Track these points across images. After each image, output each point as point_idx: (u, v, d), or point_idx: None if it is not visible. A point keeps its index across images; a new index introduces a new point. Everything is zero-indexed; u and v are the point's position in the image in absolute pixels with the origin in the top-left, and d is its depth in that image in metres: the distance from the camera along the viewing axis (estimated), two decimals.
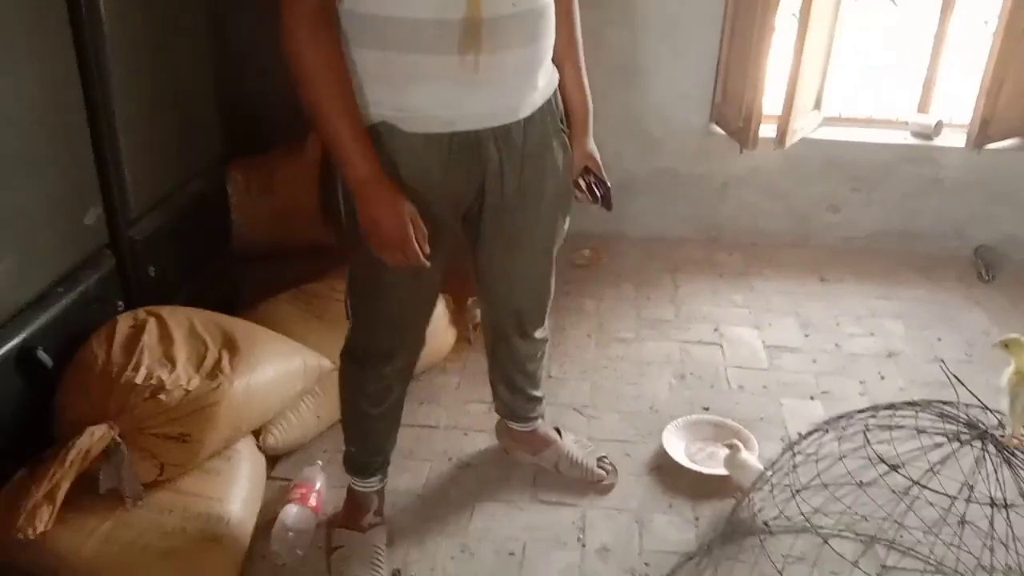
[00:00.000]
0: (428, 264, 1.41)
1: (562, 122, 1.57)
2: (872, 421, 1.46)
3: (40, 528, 1.52)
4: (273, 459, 2.01)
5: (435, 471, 2.02)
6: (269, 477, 1.97)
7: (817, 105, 3.12)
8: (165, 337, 1.84)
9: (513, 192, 1.50)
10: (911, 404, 1.48)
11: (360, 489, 1.80)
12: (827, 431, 1.54)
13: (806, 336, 2.60)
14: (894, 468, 1.38)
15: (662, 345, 2.54)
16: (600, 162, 1.68)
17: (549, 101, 1.50)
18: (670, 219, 3.20)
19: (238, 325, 1.99)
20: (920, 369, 2.43)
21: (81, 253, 1.87)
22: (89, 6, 1.78)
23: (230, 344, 1.89)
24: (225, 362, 1.83)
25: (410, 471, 2.00)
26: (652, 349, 2.52)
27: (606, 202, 1.67)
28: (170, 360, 1.79)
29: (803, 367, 2.44)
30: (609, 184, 1.68)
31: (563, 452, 1.97)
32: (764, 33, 2.77)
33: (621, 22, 2.92)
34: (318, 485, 1.89)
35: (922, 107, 3.17)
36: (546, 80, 1.48)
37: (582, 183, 1.66)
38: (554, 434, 2.01)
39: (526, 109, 1.44)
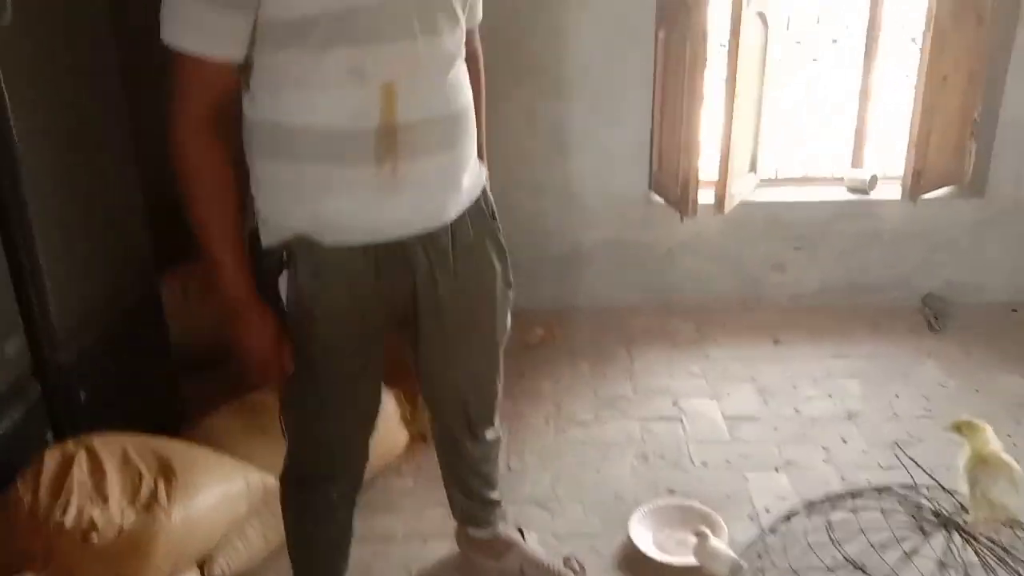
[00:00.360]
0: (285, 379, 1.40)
1: (494, 218, 1.53)
2: (834, 515, 1.41)
3: None
4: None
5: None
6: None
7: (753, 167, 3.15)
8: (96, 470, 1.73)
9: (447, 296, 1.45)
10: (868, 492, 1.44)
11: None
12: (790, 519, 1.50)
13: (765, 403, 2.58)
14: (861, 569, 1.33)
15: (622, 425, 2.49)
16: None
17: (478, 200, 1.46)
18: (620, 289, 3.18)
19: (175, 448, 1.89)
20: (881, 429, 2.41)
21: (2, 385, 1.76)
22: None
23: (166, 470, 1.79)
24: (161, 491, 1.73)
25: None
26: (612, 430, 2.47)
27: None
28: (102, 495, 1.68)
29: (765, 436, 2.41)
30: None
31: (527, 555, 1.89)
32: (693, 99, 2.80)
33: (552, 94, 2.93)
34: None
35: (855, 162, 3.23)
36: (472, 180, 1.44)
37: None
38: (516, 536, 1.92)
39: (452, 212, 1.40)
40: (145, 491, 1.73)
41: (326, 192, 1.28)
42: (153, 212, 2.33)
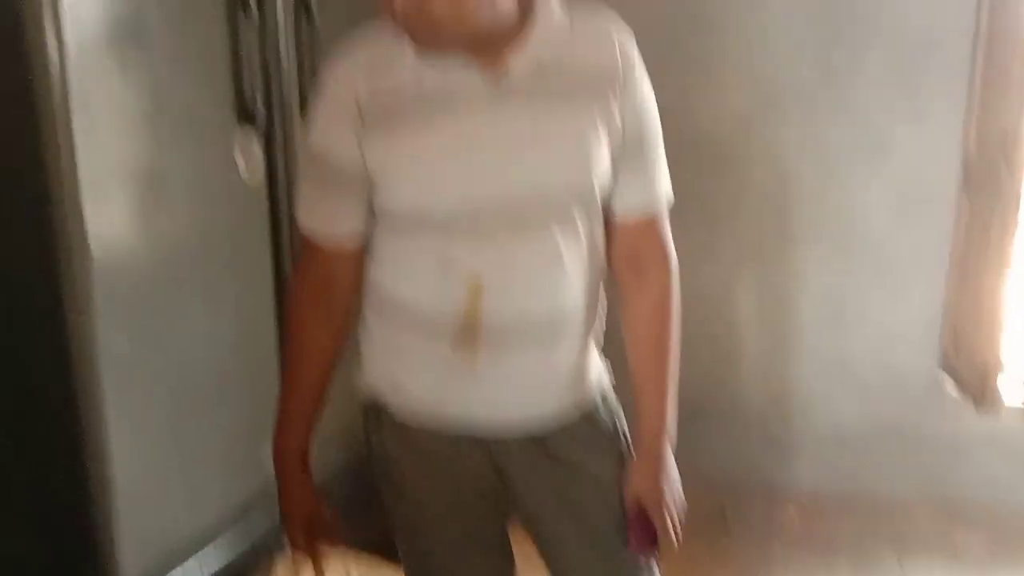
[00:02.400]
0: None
1: (618, 434, 1.31)
2: None
3: None
4: None
5: None
6: None
7: None
8: None
9: (543, 500, 1.30)
10: None
11: None
12: None
13: None
14: None
15: None
16: (667, 504, 1.29)
17: (591, 414, 1.28)
18: (894, 480, 2.78)
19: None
20: None
21: (253, 490, 1.83)
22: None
23: None
24: None
25: None
26: None
27: (644, 549, 1.29)
28: None
29: None
30: (675, 532, 1.30)
31: None
32: (999, 273, 2.46)
33: (831, 258, 2.72)
34: None
35: None
36: (580, 391, 1.25)
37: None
38: None
39: (546, 423, 1.24)
40: None
41: (404, 362, 1.24)
42: None
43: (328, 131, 1.17)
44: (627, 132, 1.18)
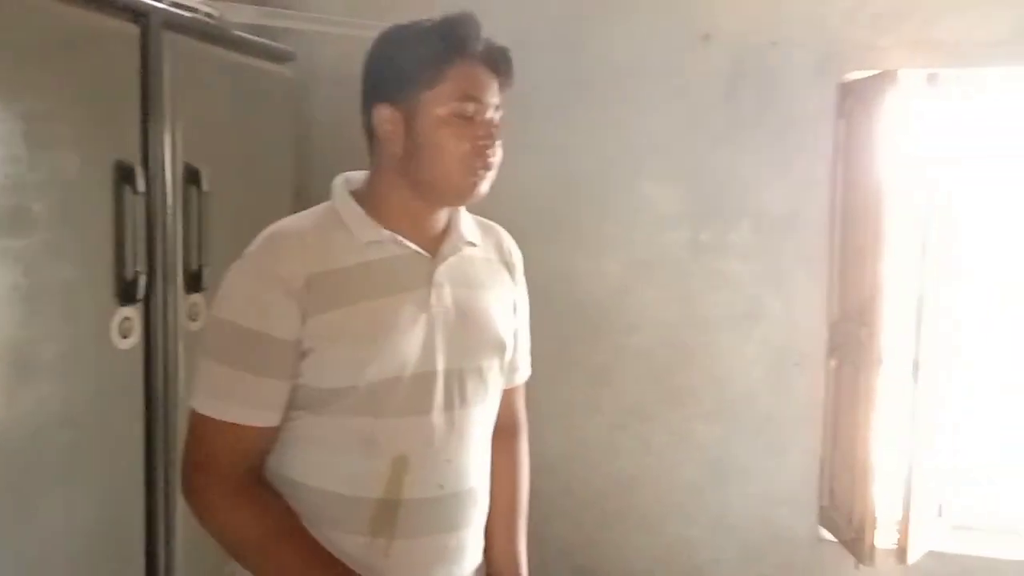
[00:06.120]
0: None
1: None
2: None
3: None
4: None
5: None
6: None
7: (941, 512, 2.81)
8: None
9: None
10: None
11: None
12: None
13: None
14: None
15: None
16: None
17: None
18: None
19: None
20: None
21: None
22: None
23: None
24: None
25: None
26: None
27: None
28: None
29: None
30: None
31: None
32: (865, 433, 2.60)
33: (710, 418, 2.81)
34: None
35: None
36: (476, 561, 1.32)
37: None
38: None
39: None
40: None
41: None
42: None
43: (269, 310, 1.12)
44: (516, 318, 1.36)
